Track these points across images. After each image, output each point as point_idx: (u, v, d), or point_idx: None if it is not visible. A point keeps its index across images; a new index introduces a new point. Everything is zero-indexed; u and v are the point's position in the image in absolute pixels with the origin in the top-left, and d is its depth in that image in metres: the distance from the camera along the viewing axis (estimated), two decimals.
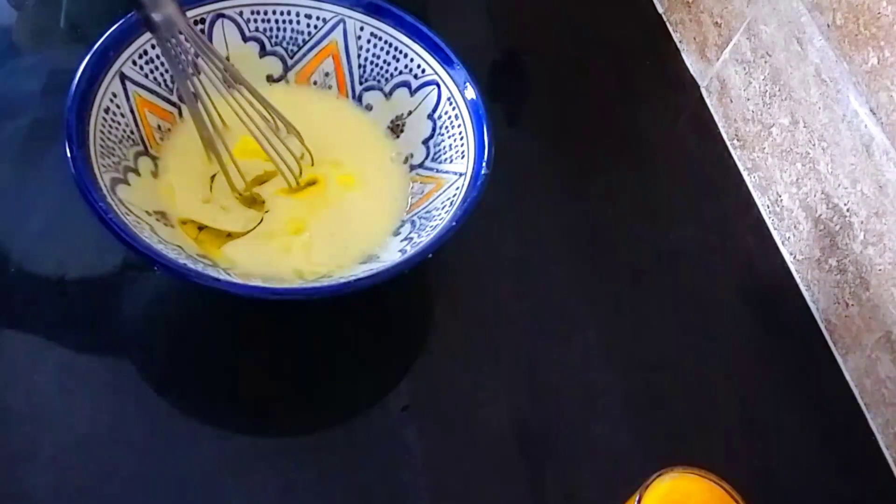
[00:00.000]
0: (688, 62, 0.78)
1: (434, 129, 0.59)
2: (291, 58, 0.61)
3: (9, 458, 0.47)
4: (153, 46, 0.55)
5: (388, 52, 0.60)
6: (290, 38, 0.60)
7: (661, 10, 0.82)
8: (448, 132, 0.57)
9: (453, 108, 0.57)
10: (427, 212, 0.55)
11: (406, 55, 0.59)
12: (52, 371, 0.51)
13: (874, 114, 0.57)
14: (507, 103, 0.72)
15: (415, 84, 0.59)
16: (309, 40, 0.60)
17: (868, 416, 0.59)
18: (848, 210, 0.59)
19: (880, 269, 0.57)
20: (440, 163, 0.57)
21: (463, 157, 0.56)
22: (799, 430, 0.57)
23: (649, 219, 0.67)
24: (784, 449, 0.56)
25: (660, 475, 0.43)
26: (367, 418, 0.53)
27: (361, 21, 0.59)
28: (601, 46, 0.79)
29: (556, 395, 0.56)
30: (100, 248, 0.55)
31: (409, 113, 0.60)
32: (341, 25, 0.60)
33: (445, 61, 0.58)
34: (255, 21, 0.59)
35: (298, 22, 0.60)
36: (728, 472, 0.44)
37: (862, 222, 0.58)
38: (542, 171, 0.68)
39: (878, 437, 0.58)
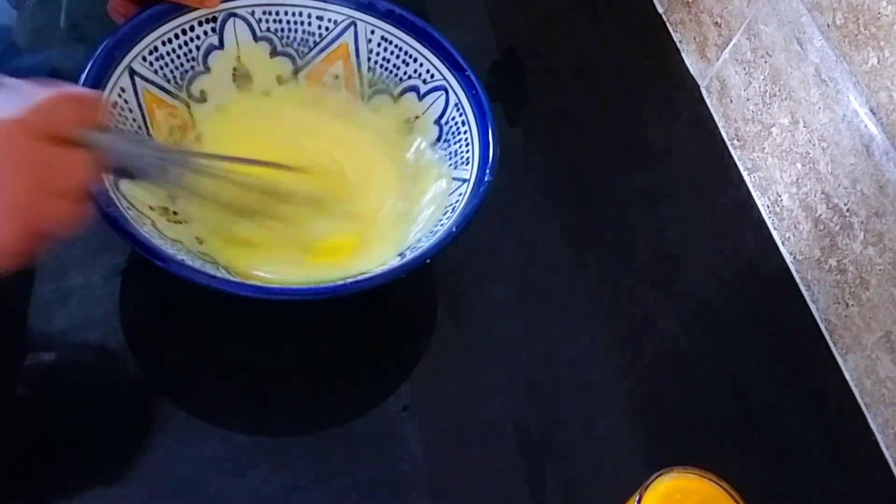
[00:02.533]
0: (688, 62, 0.78)
1: (441, 135, 0.59)
2: (302, 59, 0.61)
3: (17, 451, 0.47)
4: (163, 43, 0.55)
5: (398, 56, 0.60)
6: (301, 39, 0.60)
7: (661, 10, 0.82)
8: (454, 138, 0.58)
9: (460, 115, 0.57)
10: (428, 217, 0.55)
11: (416, 59, 0.59)
12: (51, 370, 0.51)
13: (874, 114, 0.57)
14: (507, 103, 0.72)
15: (423, 89, 0.59)
16: (320, 42, 0.60)
17: (868, 416, 0.59)
18: (848, 210, 0.59)
19: (880, 269, 0.57)
20: (445, 168, 0.57)
21: (467, 163, 0.56)
22: (799, 430, 0.57)
23: (649, 219, 0.67)
24: (784, 449, 0.56)
25: (660, 475, 0.43)
26: (367, 418, 0.53)
27: (372, 24, 0.59)
28: (601, 46, 0.79)
29: (557, 394, 0.56)
30: (101, 245, 0.55)
31: (417, 118, 0.60)
32: (352, 28, 0.60)
33: (454, 67, 0.58)
34: (267, 21, 0.59)
35: (310, 23, 0.60)
36: (728, 472, 0.44)
37: (862, 222, 0.58)
38: (542, 171, 0.68)
39: (878, 437, 0.58)
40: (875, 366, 0.58)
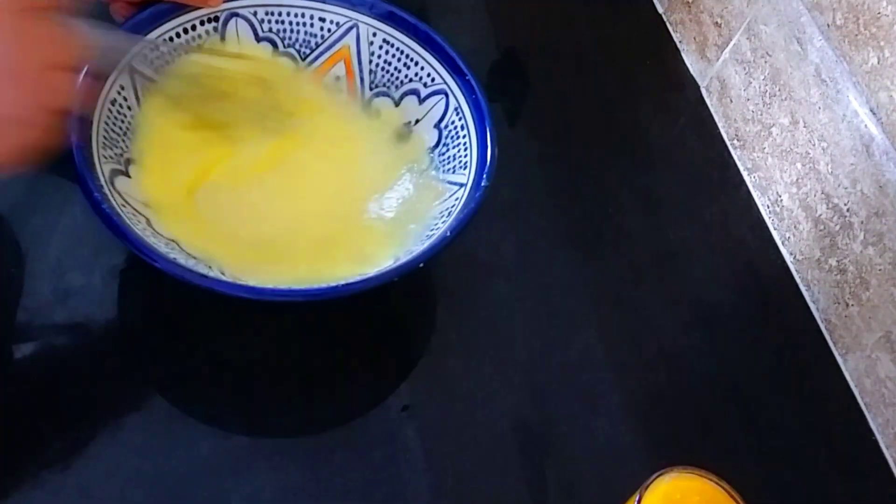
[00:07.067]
0: (688, 62, 0.78)
1: (440, 139, 0.59)
2: (303, 60, 0.61)
3: (15, 451, 0.47)
4: (165, 42, 0.55)
5: (399, 59, 0.60)
6: (304, 40, 0.60)
7: (661, 10, 0.82)
8: (453, 142, 0.58)
9: (460, 119, 0.57)
10: (424, 220, 0.55)
11: (417, 63, 0.59)
12: (51, 370, 0.51)
13: (874, 114, 0.57)
14: (507, 103, 0.72)
15: (424, 92, 0.59)
16: (322, 43, 0.60)
17: (868, 416, 0.59)
18: (848, 210, 0.59)
19: (880, 269, 0.57)
20: (443, 172, 0.58)
21: (465, 167, 0.56)
22: (799, 430, 0.57)
23: (649, 219, 0.67)
24: (784, 449, 0.56)
25: (660, 475, 0.43)
26: (367, 418, 0.53)
27: (374, 27, 0.60)
28: (601, 46, 0.79)
29: (556, 394, 0.56)
30: (100, 245, 0.55)
31: (417, 121, 0.60)
32: (354, 30, 0.60)
33: (455, 71, 0.58)
34: (269, 22, 0.59)
35: (312, 25, 0.60)
36: (728, 472, 0.44)
37: (862, 222, 0.58)
38: (542, 171, 0.68)
39: (878, 437, 0.58)
40: (875, 366, 0.58)
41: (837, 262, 0.61)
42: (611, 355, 0.58)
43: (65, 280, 0.54)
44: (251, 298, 0.47)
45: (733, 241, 0.67)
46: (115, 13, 0.55)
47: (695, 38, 0.77)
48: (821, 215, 0.62)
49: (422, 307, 0.59)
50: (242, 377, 0.53)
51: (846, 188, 0.59)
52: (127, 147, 0.53)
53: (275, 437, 0.51)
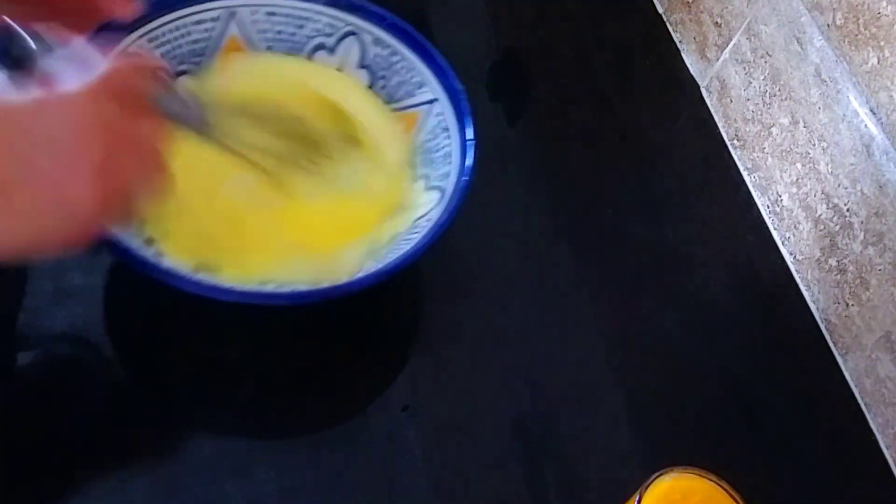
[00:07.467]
0: (688, 62, 0.78)
1: (372, 76, 0.57)
2: (200, 69, 0.58)
3: (13, 451, 0.47)
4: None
5: (289, 23, 0.58)
6: (189, 50, 0.57)
7: (661, 10, 0.82)
8: (389, 71, 0.56)
9: (383, 48, 0.56)
10: (424, 148, 0.54)
11: (308, 18, 0.57)
12: (51, 371, 0.51)
13: (874, 114, 0.57)
14: (507, 103, 0.72)
15: (331, 42, 0.58)
16: (209, 45, 0.58)
17: (868, 416, 0.59)
18: (848, 210, 0.59)
19: (880, 269, 0.57)
20: (400, 101, 0.56)
21: (422, 86, 0.54)
22: (799, 430, 0.57)
23: (649, 219, 0.67)
24: (784, 449, 0.56)
25: (660, 475, 0.43)
26: (367, 418, 0.53)
27: (251, 4, 0.57)
28: (601, 46, 0.79)
29: (556, 395, 0.56)
30: (102, 245, 0.55)
31: (338, 70, 0.58)
32: (233, 16, 0.57)
33: (353, 9, 0.56)
34: (153, 50, 0.55)
35: (190, 33, 0.57)
36: (728, 472, 0.44)
37: (862, 222, 0.58)
38: (542, 170, 0.68)
39: (878, 437, 0.58)
40: (875, 366, 0.58)
41: (837, 262, 0.61)
42: (611, 355, 0.58)
43: (65, 280, 0.54)
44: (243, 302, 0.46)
45: (733, 241, 0.67)
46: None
47: (695, 38, 0.77)
48: (821, 215, 0.62)
49: (421, 307, 0.59)
50: (243, 378, 0.53)
51: (846, 188, 0.59)
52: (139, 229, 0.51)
53: (275, 438, 0.51)
